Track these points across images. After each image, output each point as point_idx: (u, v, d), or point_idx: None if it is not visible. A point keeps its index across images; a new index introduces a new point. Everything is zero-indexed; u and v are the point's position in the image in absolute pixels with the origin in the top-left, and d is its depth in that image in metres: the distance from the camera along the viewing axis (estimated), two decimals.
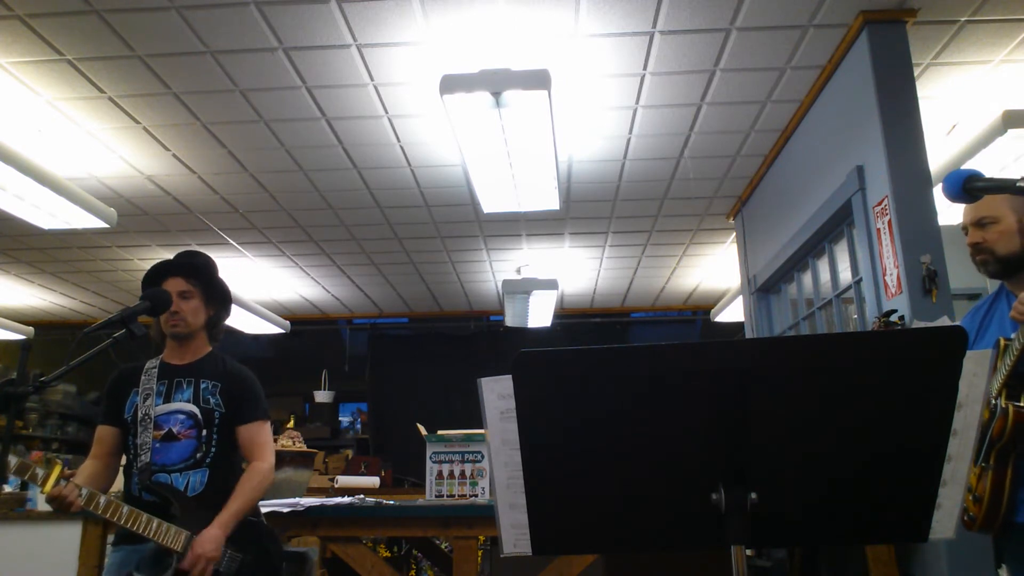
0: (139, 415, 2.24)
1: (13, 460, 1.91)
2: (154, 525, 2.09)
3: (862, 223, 3.27)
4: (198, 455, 2.25)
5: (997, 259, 1.93)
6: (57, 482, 1.99)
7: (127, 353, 2.28)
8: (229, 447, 2.33)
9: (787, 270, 4.47)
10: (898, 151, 3.06)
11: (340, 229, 5.77)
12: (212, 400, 2.31)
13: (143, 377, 2.30)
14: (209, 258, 2.48)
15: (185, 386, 2.31)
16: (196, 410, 2.28)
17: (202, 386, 2.32)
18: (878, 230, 3.13)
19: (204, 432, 2.27)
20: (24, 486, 4.48)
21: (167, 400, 2.28)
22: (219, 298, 2.45)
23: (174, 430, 2.25)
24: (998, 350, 1.81)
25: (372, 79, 3.64)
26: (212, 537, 2.14)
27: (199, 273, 2.38)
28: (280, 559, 2.36)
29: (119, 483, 2.37)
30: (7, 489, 4.31)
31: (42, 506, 4.10)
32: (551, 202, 4.30)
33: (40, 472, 1.97)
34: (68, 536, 2.02)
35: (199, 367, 2.36)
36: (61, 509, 2.01)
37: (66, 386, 8.36)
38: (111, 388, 2.35)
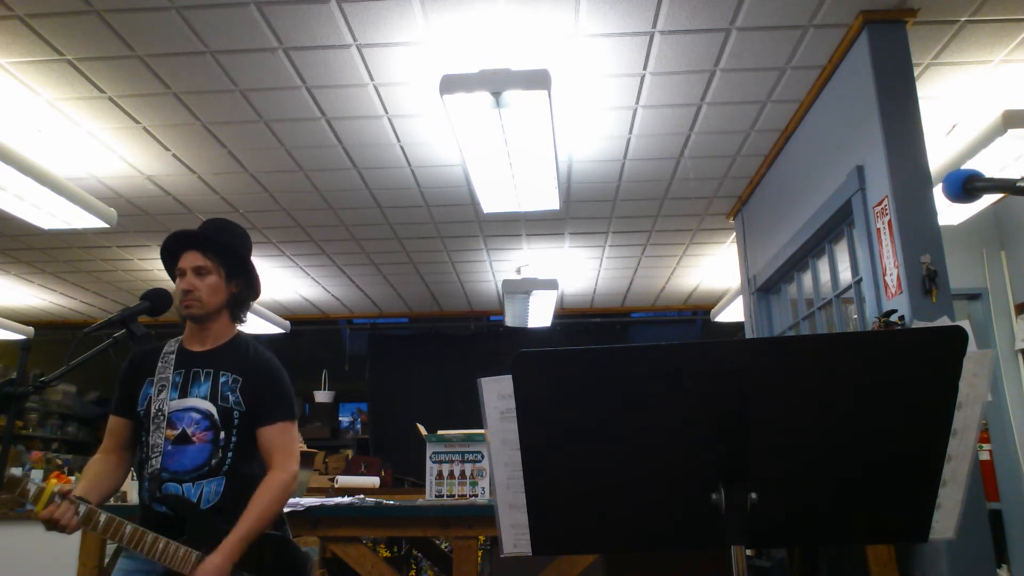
0: (152, 410, 2.00)
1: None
2: (160, 546, 1.88)
3: (862, 223, 3.27)
4: (213, 462, 1.99)
5: None
6: (51, 500, 1.81)
7: (126, 353, 2.16)
8: (249, 452, 2.07)
9: (787, 270, 4.47)
10: (898, 151, 3.06)
11: (340, 229, 5.77)
12: (232, 397, 2.04)
13: (159, 364, 2.06)
14: (236, 227, 2.22)
15: (203, 378, 2.05)
16: (213, 409, 2.02)
17: (221, 379, 2.05)
18: (878, 230, 3.13)
19: (222, 435, 2.01)
20: None
21: (183, 394, 2.03)
22: (242, 273, 2.16)
23: (188, 431, 1.99)
24: None
25: (372, 79, 3.64)
26: (214, 567, 1.88)
27: (217, 247, 2.12)
28: None
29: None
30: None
31: None
32: (551, 202, 4.30)
33: (32, 488, 1.80)
34: (68, 536, 1.93)
35: (220, 356, 2.09)
36: (55, 530, 1.82)
37: (66, 386, 8.37)
38: (125, 374, 2.12)
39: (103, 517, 1.86)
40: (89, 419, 8.68)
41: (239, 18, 3.18)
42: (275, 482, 2.03)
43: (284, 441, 2.09)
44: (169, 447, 1.99)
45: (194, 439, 2.00)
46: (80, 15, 3.16)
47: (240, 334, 2.20)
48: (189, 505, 1.96)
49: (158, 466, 1.97)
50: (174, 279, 2.15)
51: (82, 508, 1.84)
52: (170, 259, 2.16)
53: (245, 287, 2.18)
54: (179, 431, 2.00)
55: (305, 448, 4.08)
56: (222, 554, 1.90)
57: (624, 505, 1.17)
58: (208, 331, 2.13)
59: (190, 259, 2.09)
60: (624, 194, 5.10)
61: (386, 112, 3.96)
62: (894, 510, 1.14)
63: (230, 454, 2.02)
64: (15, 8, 3.10)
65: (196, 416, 2.02)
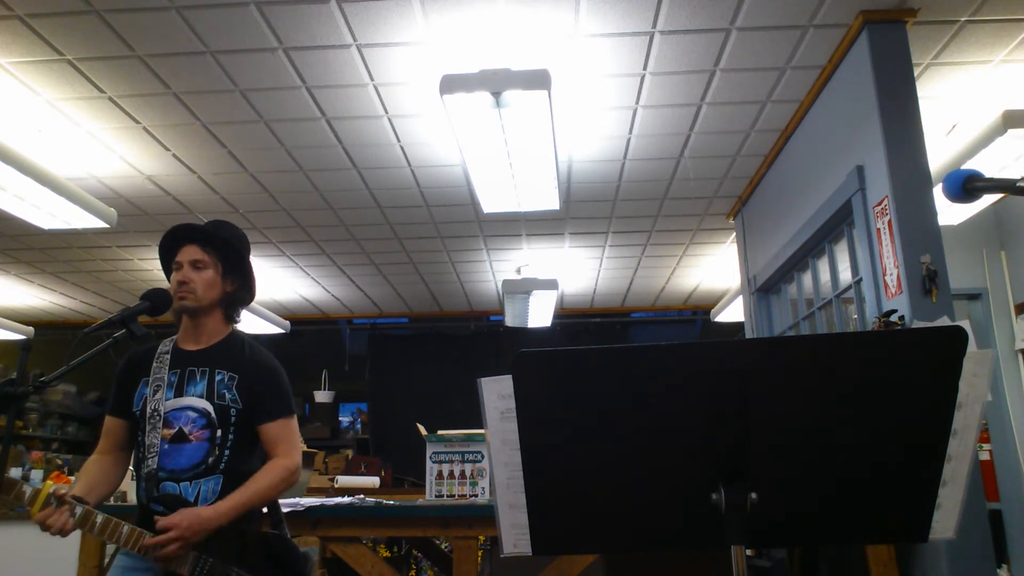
0: (148, 410, 2.00)
1: None
2: None
3: (862, 223, 3.27)
4: (210, 460, 1.99)
5: None
6: (47, 503, 1.81)
7: (126, 353, 2.16)
8: (247, 450, 2.06)
9: (787, 270, 4.47)
10: (898, 151, 3.06)
11: (340, 229, 5.77)
12: (228, 395, 2.04)
13: (154, 364, 2.06)
14: (235, 228, 2.22)
15: (199, 377, 2.05)
16: (209, 407, 2.02)
17: (217, 378, 2.05)
18: (878, 230, 3.13)
19: (219, 433, 2.01)
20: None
21: (178, 393, 2.03)
22: (239, 272, 2.17)
23: (185, 430, 1.99)
24: None
25: (372, 79, 3.64)
26: (196, 513, 1.87)
27: (217, 242, 2.13)
28: None
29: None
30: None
31: None
32: (551, 202, 4.30)
33: (28, 491, 1.80)
34: (68, 536, 1.92)
35: (215, 354, 2.09)
36: (51, 532, 1.82)
37: (66, 386, 8.36)
38: (120, 375, 2.11)
39: (100, 518, 1.85)
40: (89, 419, 8.68)
41: (239, 18, 3.18)
42: (277, 465, 2.05)
43: (286, 435, 2.10)
44: (166, 446, 1.98)
45: (191, 437, 2.00)
46: (80, 15, 3.16)
47: (235, 332, 2.20)
48: (186, 505, 1.95)
49: (155, 466, 1.96)
50: (169, 274, 2.15)
51: (79, 509, 1.84)
52: (168, 253, 2.16)
53: (241, 287, 2.18)
54: (175, 430, 2.00)
55: (305, 448, 4.08)
56: (212, 509, 1.91)
57: (624, 505, 1.17)
58: (202, 329, 2.13)
59: (188, 252, 2.10)
60: (624, 194, 5.10)
61: (386, 112, 3.96)
62: (894, 510, 1.14)
63: (227, 452, 2.02)
64: (15, 8, 3.10)
65: (192, 415, 2.01)
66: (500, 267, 6.76)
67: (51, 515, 1.81)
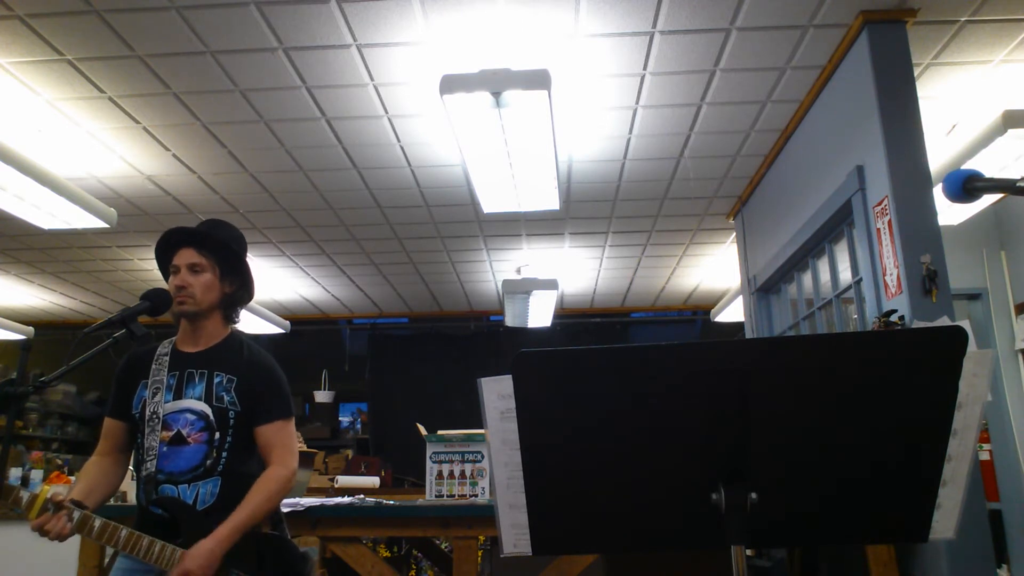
0: (147, 413, 2.00)
1: None
2: (156, 549, 1.87)
3: (862, 223, 3.27)
4: (208, 463, 1.99)
5: None
6: (44, 508, 1.80)
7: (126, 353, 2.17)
8: (246, 452, 2.06)
9: (787, 270, 4.47)
10: (898, 151, 3.06)
11: (340, 229, 5.77)
12: (226, 397, 2.04)
13: (153, 366, 2.06)
14: (232, 228, 2.22)
15: (197, 380, 2.05)
16: (208, 410, 2.02)
17: (216, 380, 2.05)
18: (878, 230, 3.13)
19: (217, 435, 2.01)
20: (24, 484, 4.45)
21: (177, 396, 2.03)
22: (237, 273, 2.16)
23: (183, 432, 1.99)
24: None
25: (372, 79, 3.64)
26: (204, 552, 1.86)
27: (213, 244, 2.12)
28: None
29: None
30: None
31: None
32: (551, 202, 4.30)
33: (25, 496, 1.79)
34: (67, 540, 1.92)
35: (214, 356, 2.09)
36: (49, 539, 1.81)
37: (66, 386, 8.36)
38: (120, 377, 2.12)
39: (97, 523, 1.85)
40: (89, 419, 8.68)
41: (239, 18, 3.18)
42: (273, 476, 2.03)
43: (282, 438, 2.09)
44: (164, 449, 1.98)
45: (189, 440, 2.00)
46: (80, 15, 3.16)
47: (234, 333, 2.20)
48: (184, 507, 1.95)
49: (153, 468, 1.97)
50: (167, 277, 2.15)
51: (76, 514, 1.83)
52: (164, 256, 2.15)
53: (240, 287, 2.18)
54: (174, 432, 2.00)
55: (304, 448, 4.08)
56: (214, 540, 1.89)
57: (624, 505, 1.17)
58: (201, 331, 2.12)
59: (185, 256, 2.10)
60: (624, 194, 5.10)
61: (386, 112, 3.96)
62: (894, 510, 1.14)
63: (225, 454, 2.02)
64: (15, 8, 3.10)
65: (191, 417, 2.01)
66: (500, 267, 6.76)
67: (48, 521, 1.80)
